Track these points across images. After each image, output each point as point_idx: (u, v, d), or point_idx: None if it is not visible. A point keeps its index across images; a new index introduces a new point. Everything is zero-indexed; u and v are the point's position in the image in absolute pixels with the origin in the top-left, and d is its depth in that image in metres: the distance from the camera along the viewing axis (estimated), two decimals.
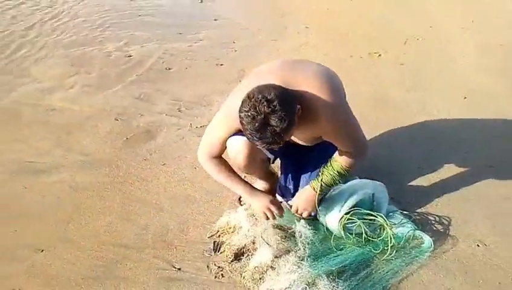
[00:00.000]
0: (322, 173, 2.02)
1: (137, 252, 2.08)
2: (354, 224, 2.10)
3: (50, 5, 5.17)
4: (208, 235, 2.16)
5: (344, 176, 2.04)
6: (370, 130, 2.85)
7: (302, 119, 1.72)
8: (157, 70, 3.82)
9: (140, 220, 2.26)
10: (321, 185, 2.02)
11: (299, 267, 1.88)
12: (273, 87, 1.63)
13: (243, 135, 1.90)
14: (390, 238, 2.06)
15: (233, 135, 1.93)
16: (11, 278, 1.94)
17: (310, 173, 2.17)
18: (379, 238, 2.10)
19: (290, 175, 2.23)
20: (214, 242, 2.11)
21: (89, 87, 3.49)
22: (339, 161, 1.99)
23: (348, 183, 2.26)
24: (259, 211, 2.03)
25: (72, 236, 2.16)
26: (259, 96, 1.58)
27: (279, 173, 2.34)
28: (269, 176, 2.33)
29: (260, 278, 1.89)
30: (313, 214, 2.13)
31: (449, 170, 2.66)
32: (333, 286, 1.82)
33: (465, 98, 3.45)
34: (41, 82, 3.55)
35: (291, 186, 2.22)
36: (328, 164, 2.03)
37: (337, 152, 2.00)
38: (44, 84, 3.52)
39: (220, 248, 2.09)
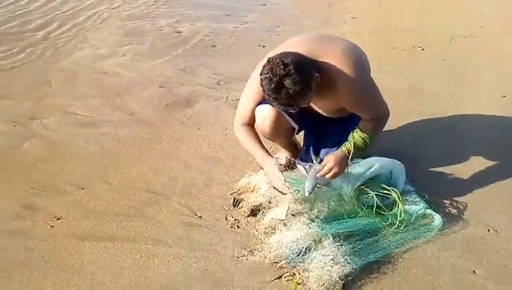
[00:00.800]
0: (353, 137, 2.09)
1: (164, 198, 2.30)
2: (368, 195, 2.20)
3: None
4: (230, 193, 2.35)
5: (371, 140, 2.10)
6: (401, 119, 2.94)
7: (322, 87, 1.86)
8: (202, 47, 4.05)
9: (170, 173, 2.49)
10: (352, 147, 2.08)
11: (308, 226, 2.02)
12: (292, 54, 1.79)
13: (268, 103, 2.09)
14: (401, 212, 2.14)
15: (261, 103, 2.10)
16: (55, 208, 2.22)
17: (329, 147, 2.28)
18: (390, 212, 2.19)
19: (311, 147, 2.36)
20: (234, 199, 2.29)
21: (139, 56, 3.78)
22: (363, 127, 2.08)
23: (368, 159, 2.37)
24: (274, 180, 2.15)
25: (110, 179, 2.42)
26: (277, 60, 1.75)
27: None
28: (293, 146, 2.48)
29: (272, 232, 2.04)
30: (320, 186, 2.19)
31: (474, 162, 2.66)
32: (338, 245, 1.94)
33: (504, 96, 3.41)
34: (98, 48, 3.88)
35: (312, 153, 2.35)
36: (356, 129, 2.10)
37: (362, 122, 2.10)
38: (101, 51, 3.84)
39: (238, 204, 2.27)
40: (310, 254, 1.92)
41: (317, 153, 2.31)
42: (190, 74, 3.57)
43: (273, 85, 1.75)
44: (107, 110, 3.03)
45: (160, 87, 3.35)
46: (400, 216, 2.13)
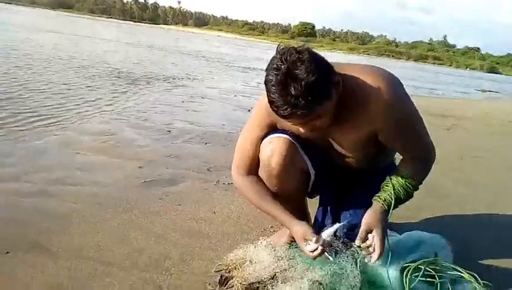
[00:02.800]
0: (389, 186, 1.53)
1: (121, 270, 1.60)
2: (414, 278, 1.54)
3: None
4: (215, 270, 1.66)
5: (413, 190, 1.56)
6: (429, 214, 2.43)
7: (347, 104, 1.40)
8: (194, 142, 3.66)
9: (135, 244, 1.81)
10: (393, 199, 1.50)
11: None
12: (306, 46, 1.34)
13: (282, 132, 1.59)
14: None
15: (268, 134, 1.61)
16: None
17: (352, 210, 1.70)
18: None
19: (329, 208, 1.78)
20: (221, 276, 1.60)
21: (121, 144, 3.34)
22: (405, 170, 1.54)
23: (405, 234, 1.78)
24: (299, 240, 1.54)
25: (49, 246, 1.73)
26: (289, 47, 1.31)
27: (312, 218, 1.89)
28: (304, 212, 1.88)
29: None
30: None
31: None
32: None
33: None
34: (80, 134, 3.45)
35: (329, 222, 1.74)
36: (393, 176, 1.55)
37: (400, 164, 1.58)
38: (82, 137, 3.41)
39: (227, 283, 1.57)
40: None
41: (337, 220, 1.72)
42: (177, 160, 3.09)
43: (279, 76, 1.27)
44: (68, 182, 2.44)
45: (139, 167, 2.83)
46: None
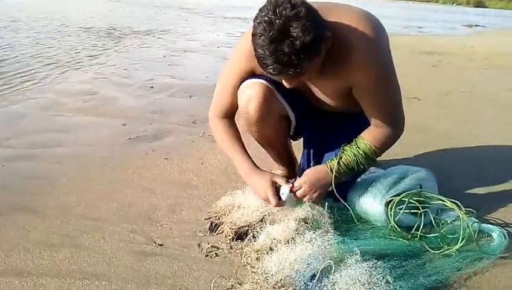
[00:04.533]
0: (342, 151, 1.56)
1: (110, 225, 1.61)
2: (403, 211, 1.57)
3: None
4: (205, 217, 1.68)
5: (370, 160, 1.57)
6: (413, 150, 2.45)
7: (331, 56, 1.35)
8: (177, 97, 3.61)
9: (123, 199, 1.82)
10: (339, 165, 1.54)
11: (322, 239, 1.35)
12: (304, 2, 1.27)
13: (258, 78, 1.56)
14: (465, 228, 1.49)
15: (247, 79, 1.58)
16: None
17: (335, 150, 1.70)
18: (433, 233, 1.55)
19: (312, 151, 1.77)
20: (211, 223, 1.62)
21: (104, 103, 3.28)
22: (367, 137, 1.55)
23: (389, 169, 1.80)
24: (258, 196, 1.58)
25: (36, 207, 1.72)
26: (284, 0, 1.22)
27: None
28: (287, 157, 1.89)
29: (268, 253, 1.35)
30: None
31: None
32: (370, 266, 1.26)
33: None
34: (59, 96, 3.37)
35: (313, 164, 1.74)
36: (353, 142, 1.57)
37: (366, 130, 1.57)
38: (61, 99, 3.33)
39: (217, 229, 1.59)
40: (330, 276, 1.23)
41: (321, 160, 1.73)
42: (161, 115, 3.05)
43: (272, 32, 1.19)
44: (50, 144, 2.41)
45: (123, 125, 2.79)
46: (463, 234, 1.48)
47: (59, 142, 2.45)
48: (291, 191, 1.53)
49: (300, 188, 1.54)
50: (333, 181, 1.54)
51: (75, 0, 12.79)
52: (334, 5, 1.47)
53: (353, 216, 1.58)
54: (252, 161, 1.63)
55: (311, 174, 1.58)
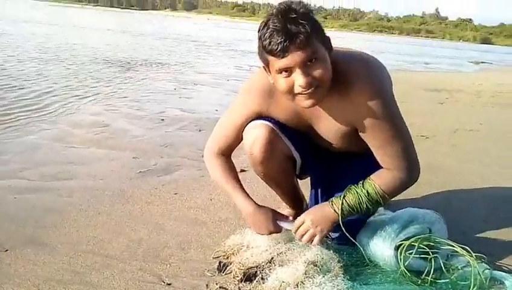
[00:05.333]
0: (348, 190, 1.55)
1: (120, 262, 1.61)
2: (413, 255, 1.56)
3: None
4: (213, 256, 1.68)
5: (376, 203, 1.54)
6: (424, 190, 2.45)
7: (333, 92, 1.38)
8: (187, 130, 3.66)
9: (133, 235, 1.83)
10: (343, 203, 1.52)
11: (332, 283, 1.35)
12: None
13: (263, 119, 1.59)
14: (478, 276, 1.48)
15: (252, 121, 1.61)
16: None
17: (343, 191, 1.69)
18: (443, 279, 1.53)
19: (320, 190, 1.78)
20: (220, 262, 1.62)
21: (114, 135, 3.34)
22: (376, 180, 1.52)
23: (398, 212, 1.80)
24: (260, 233, 1.61)
25: (47, 241, 1.74)
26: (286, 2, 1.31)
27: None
28: (293, 195, 1.89)
29: None
30: (332, 235, 1.65)
31: None
32: None
33: None
34: (72, 128, 3.44)
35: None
36: (360, 182, 1.56)
37: (377, 172, 1.55)
38: (74, 130, 3.40)
39: (225, 268, 1.59)
40: None
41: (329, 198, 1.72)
42: (171, 148, 3.09)
43: (279, 14, 1.27)
44: (62, 177, 2.44)
45: (133, 158, 2.83)
46: (474, 281, 1.46)
47: (71, 174, 2.48)
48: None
49: (302, 224, 1.54)
50: (340, 219, 1.52)
51: (93, 32, 13.16)
52: (338, 47, 1.51)
53: (365, 256, 1.58)
54: (252, 199, 1.63)
55: (314, 211, 1.58)
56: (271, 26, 1.27)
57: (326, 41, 1.35)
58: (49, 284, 1.46)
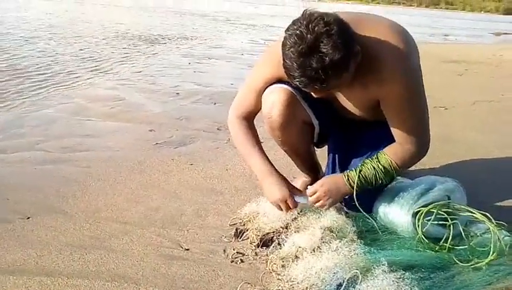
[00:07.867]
0: (363, 164, 1.55)
1: (139, 228, 1.64)
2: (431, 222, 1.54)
3: None
4: (230, 223, 1.70)
5: (390, 176, 1.56)
6: (443, 161, 2.42)
7: (360, 68, 1.35)
8: (202, 103, 3.66)
9: (151, 203, 1.85)
10: (359, 177, 1.53)
11: (348, 248, 1.35)
12: (333, 14, 1.29)
13: (283, 83, 1.57)
14: (498, 242, 1.46)
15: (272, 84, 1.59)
16: None
17: (365, 155, 1.68)
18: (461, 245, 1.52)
19: (337, 159, 1.76)
20: (237, 229, 1.63)
21: (130, 108, 3.36)
22: (389, 153, 1.54)
23: (416, 179, 1.77)
24: (271, 201, 1.58)
25: (67, 209, 1.78)
26: (316, 14, 1.25)
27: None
28: (311, 164, 1.88)
29: (293, 260, 1.36)
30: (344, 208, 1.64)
31: None
32: (397, 277, 1.25)
33: None
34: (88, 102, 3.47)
35: (338, 172, 1.73)
36: (374, 155, 1.57)
37: (390, 146, 1.56)
38: (90, 104, 3.42)
39: (242, 235, 1.60)
40: (356, 286, 1.22)
41: (347, 166, 1.72)
42: (186, 121, 3.10)
43: (302, 46, 1.21)
44: (80, 148, 2.47)
45: (150, 130, 2.85)
46: (494, 247, 1.45)
47: (88, 146, 2.51)
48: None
49: (315, 193, 1.55)
50: (354, 192, 1.53)
51: (108, 10, 13.13)
52: (366, 17, 1.48)
53: (376, 228, 1.57)
54: (272, 164, 1.62)
55: (328, 181, 1.58)
56: (292, 59, 1.24)
57: (352, 62, 1.29)
58: (70, 249, 1.49)
